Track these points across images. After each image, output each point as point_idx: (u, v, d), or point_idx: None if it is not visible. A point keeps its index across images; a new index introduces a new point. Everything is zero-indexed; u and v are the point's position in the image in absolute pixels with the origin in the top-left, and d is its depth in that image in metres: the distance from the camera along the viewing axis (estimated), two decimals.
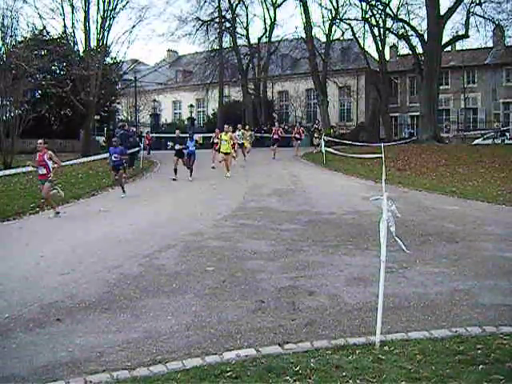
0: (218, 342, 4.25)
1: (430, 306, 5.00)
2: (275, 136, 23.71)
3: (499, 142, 28.17)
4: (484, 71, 37.87)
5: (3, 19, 24.21)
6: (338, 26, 36.78)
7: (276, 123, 26.85)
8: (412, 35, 32.22)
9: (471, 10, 30.10)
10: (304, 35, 35.18)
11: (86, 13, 27.10)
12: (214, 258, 6.89)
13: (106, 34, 27.54)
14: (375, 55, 38.38)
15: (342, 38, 37.80)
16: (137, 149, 19.99)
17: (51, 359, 3.96)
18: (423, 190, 14.01)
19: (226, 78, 40.39)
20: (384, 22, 35.08)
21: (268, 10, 39.04)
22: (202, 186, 14.92)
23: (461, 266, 6.42)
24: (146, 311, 4.97)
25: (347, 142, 27.69)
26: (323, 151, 21.31)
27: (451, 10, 28.81)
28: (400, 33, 33.63)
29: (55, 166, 11.28)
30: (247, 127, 21.96)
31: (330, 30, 35.92)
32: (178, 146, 16.92)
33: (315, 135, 26.07)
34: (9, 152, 20.54)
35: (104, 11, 27.03)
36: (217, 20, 38.00)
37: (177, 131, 18.75)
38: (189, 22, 37.10)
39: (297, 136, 25.19)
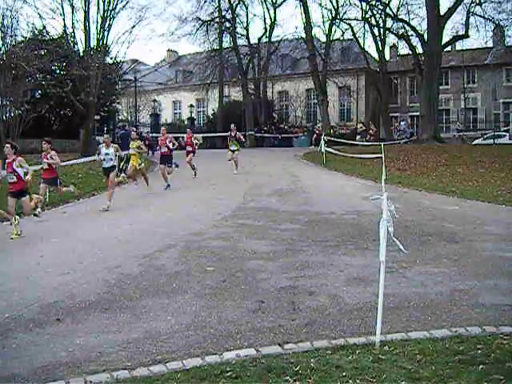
0: (218, 342, 4.25)
1: (430, 306, 5.00)
2: (163, 149, 15.34)
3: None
4: (484, 71, 37.89)
5: (3, 19, 24.23)
6: (338, 26, 36.83)
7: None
8: (412, 35, 32.26)
9: (471, 10, 30.14)
10: (304, 35, 35.20)
11: (86, 13, 27.13)
12: (214, 258, 6.89)
13: (105, 33, 27.56)
14: (375, 55, 38.42)
15: (341, 38, 37.82)
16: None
17: (51, 359, 3.96)
18: (423, 190, 14.02)
19: (226, 78, 40.42)
20: (384, 21, 35.12)
21: (268, 9, 39.13)
22: (202, 186, 14.92)
23: (461, 265, 6.42)
24: (146, 311, 4.97)
25: (348, 141, 27.77)
26: (323, 151, 21.34)
27: (451, 10, 28.82)
28: (400, 33, 33.66)
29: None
30: (133, 133, 15.24)
31: (330, 30, 35.96)
32: None
33: (231, 148, 17.94)
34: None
35: (104, 11, 27.05)
36: (217, 20, 38.02)
37: None
38: (189, 21, 37.18)
39: (189, 148, 17.58)
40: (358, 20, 35.87)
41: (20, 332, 4.50)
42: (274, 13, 38.54)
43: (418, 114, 32.45)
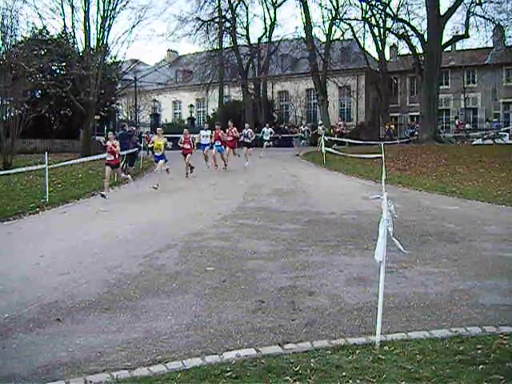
0: (218, 342, 4.25)
1: (430, 306, 5.00)
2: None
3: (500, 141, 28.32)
4: (484, 71, 37.89)
5: (3, 19, 24.19)
6: (338, 26, 36.85)
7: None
8: (412, 35, 32.28)
9: (471, 10, 30.15)
10: (304, 35, 35.23)
11: (86, 13, 27.13)
12: (214, 258, 6.89)
13: (105, 33, 27.55)
14: (375, 55, 38.43)
15: (341, 38, 37.84)
16: (136, 149, 19.93)
17: (51, 359, 3.96)
18: (423, 190, 14.01)
19: (226, 78, 40.40)
20: (384, 21, 35.14)
21: (268, 9, 39.11)
22: (202, 186, 14.91)
23: (461, 266, 6.42)
24: (146, 311, 4.97)
25: (348, 140, 27.75)
26: (323, 151, 21.34)
27: (451, 10, 28.83)
28: (400, 33, 33.69)
29: None
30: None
31: (329, 30, 35.95)
32: None
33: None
34: (9, 152, 20.51)
35: (104, 11, 27.05)
36: (217, 20, 38.02)
37: None
38: (189, 21, 37.18)
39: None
40: (357, 20, 35.93)
41: (20, 332, 4.50)
42: (274, 13, 38.56)
43: (418, 113, 32.44)
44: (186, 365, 3.82)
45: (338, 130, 31.81)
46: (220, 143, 17.74)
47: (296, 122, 41.46)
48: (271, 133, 26.20)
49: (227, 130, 18.68)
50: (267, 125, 27.40)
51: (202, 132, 19.03)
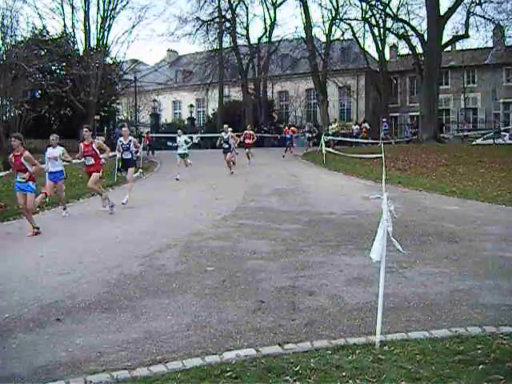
0: (218, 342, 4.25)
1: (429, 306, 5.00)
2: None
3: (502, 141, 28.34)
4: (484, 71, 37.92)
5: (3, 19, 24.25)
6: (338, 26, 36.91)
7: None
8: (412, 35, 32.34)
9: (471, 10, 30.21)
10: (304, 35, 35.27)
11: (86, 13, 27.26)
12: (214, 258, 6.89)
13: (105, 33, 27.73)
14: (375, 55, 38.47)
15: (342, 38, 37.89)
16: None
17: (51, 359, 3.96)
18: (423, 189, 14.01)
19: (226, 78, 40.45)
20: (384, 21, 35.18)
21: (268, 9, 39.21)
22: (202, 186, 14.92)
23: (461, 266, 6.41)
24: (146, 311, 4.97)
25: (348, 140, 27.74)
26: (323, 151, 21.36)
27: (451, 10, 28.86)
28: (400, 33, 33.75)
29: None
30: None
31: (329, 30, 36.03)
32: None
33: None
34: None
35: (104, 11, 27.19)
36: (217, 20, 38.08)
37: None
38: (189, 21, 37.27)
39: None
40: (357, 20, 35.99)
41: (20, 332, 4.49)
42: (274, 13, 38.63)
43: (418, 113, 32.46)
44: (186, 365, 3.82)
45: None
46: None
47: (296, 122, 41.48)
48: (188, 142, 18.23)
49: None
50: (179, 131, 18.90)
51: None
